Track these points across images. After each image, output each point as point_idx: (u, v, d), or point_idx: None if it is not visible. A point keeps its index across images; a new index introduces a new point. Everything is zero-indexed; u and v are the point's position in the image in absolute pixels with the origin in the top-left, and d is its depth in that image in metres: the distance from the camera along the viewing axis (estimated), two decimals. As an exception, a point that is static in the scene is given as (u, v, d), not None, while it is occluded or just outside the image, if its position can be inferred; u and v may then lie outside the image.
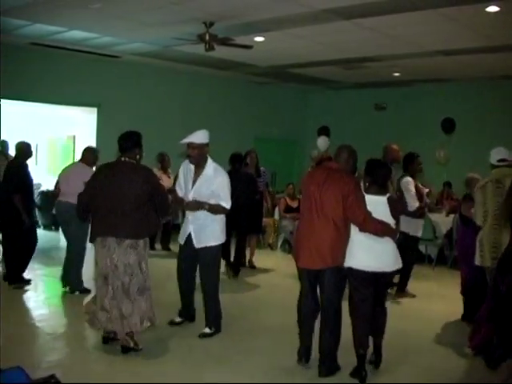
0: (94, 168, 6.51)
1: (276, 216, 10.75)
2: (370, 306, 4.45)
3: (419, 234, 7.06)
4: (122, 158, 4.76)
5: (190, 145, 5.13)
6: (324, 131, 13.31)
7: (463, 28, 7.67)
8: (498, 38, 8.04)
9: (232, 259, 8.03)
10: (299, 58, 10.39)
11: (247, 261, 8.55)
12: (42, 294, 6.82)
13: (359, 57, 10.01)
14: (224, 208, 5.17)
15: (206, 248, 5.21)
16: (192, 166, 5.23)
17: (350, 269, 4.41)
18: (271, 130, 13.94)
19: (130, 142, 4.77)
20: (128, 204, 4.59)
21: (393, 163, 6.73)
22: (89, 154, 6.79)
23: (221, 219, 5.29)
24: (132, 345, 4.69)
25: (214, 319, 5.32)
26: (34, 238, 6.98)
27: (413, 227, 6.83)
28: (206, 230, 5.19)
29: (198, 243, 5.20)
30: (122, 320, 4.60)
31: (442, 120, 11.50)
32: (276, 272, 8.56)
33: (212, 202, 5.12)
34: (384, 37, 8.37)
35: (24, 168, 6.87)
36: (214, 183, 5.14)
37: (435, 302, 7.05)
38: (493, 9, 6.70)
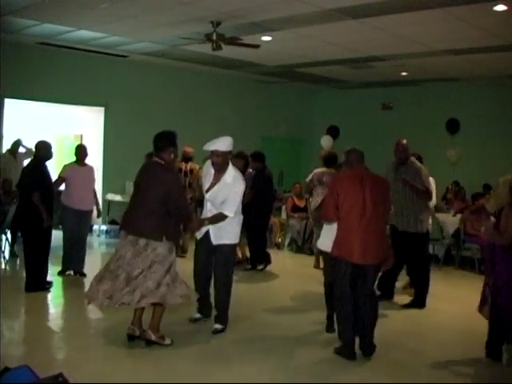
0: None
1: (283, 215, 10.74)
2: None
3: None
4: (155, 159, 4.81)
5: (214, 152, 5.08)
6: (333, 131, 13.36)
7: (471, 27, 7.64)
8: (505, 37, 8.00)
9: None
10: (306, 57, 10.38)
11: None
12: (49, 293, 6.81)
13: (367, 56, 9.99)
14: (225, 216, 5.13)
15: (223, 245, 5.24)
16: (212, 169, 5.22)
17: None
18: (279, 127, 13.96)
19: (163, 141, 4.78)
20: (148, 204, 4.67)
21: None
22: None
23: (238, 221, 5.33)
24: (154, 338, 4.76)
25: (225, 316, 5.37)
26: (48, 240, 6.80)
27: None
28: (224, 228, 5.21)
29: (215, 239, 5.23)
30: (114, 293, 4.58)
31: (447, 121, 11.48)
32: (284, 271, 8.54)
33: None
34: (391, 36, 8.35)
35: (39, 166, 6.83)
36: (230, 191, 5.11)
37: (443, 301, 7.02)
38: (501, 8, 6.69)
